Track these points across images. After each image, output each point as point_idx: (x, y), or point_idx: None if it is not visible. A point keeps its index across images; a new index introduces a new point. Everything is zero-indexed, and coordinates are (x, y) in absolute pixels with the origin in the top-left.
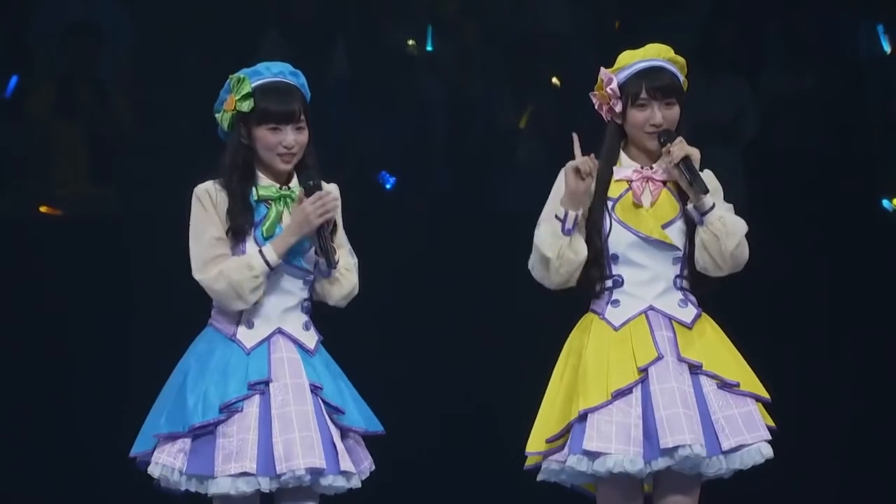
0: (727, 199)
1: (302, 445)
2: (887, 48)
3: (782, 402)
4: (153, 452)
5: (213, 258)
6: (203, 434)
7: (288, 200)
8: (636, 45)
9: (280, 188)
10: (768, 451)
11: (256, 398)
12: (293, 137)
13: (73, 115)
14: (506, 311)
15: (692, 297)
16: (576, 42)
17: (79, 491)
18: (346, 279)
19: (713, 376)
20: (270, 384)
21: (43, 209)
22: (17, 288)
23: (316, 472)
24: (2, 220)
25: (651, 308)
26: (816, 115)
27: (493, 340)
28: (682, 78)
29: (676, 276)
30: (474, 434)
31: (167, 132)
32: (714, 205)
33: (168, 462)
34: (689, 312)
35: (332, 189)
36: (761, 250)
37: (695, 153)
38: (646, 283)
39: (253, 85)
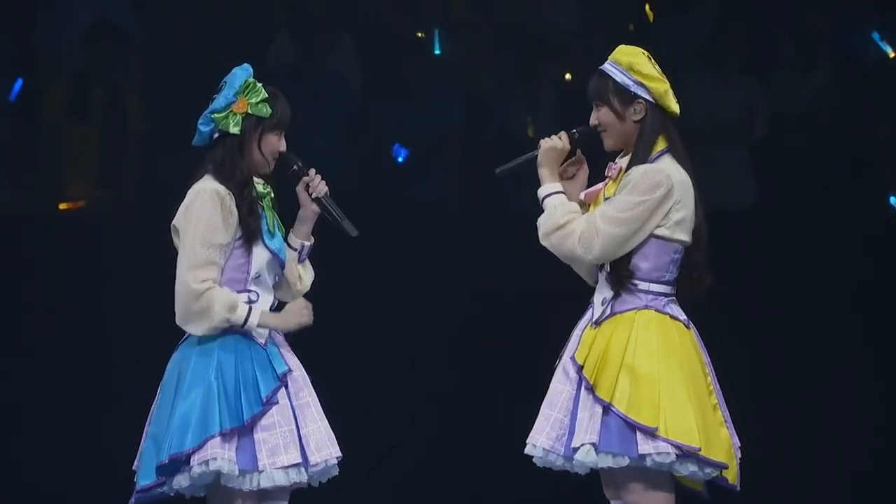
0: (737, 196)
1: (327, 435)
2: (888, 50)
3: (791, 397)
4: (193, 454)
5: (207, 263)
6: (244, 429)
7: (269, 196)
8: (647, 44)
9: (264, 185)
10: (583, 456)
11: (283, 390)
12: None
13: (85, 115)
14: (514, 310)
15: (627, 295)
16: (587, 41)
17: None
18: (309, 265)
19: (582, 377)
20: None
21: (63, 206)
22: (26, 287)
23: (339, 461)
24: (14, 220)
25: (591, 304)
26: (826, 114)
27: (502, 339)
28: (619, 77)
29: (607, 273)
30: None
31: (178, 132)
32: (546, 196)
33: (231, 456)
34: (599, 310)
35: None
36: (770, 248)
37: (541, 145)
38: (599, 280)
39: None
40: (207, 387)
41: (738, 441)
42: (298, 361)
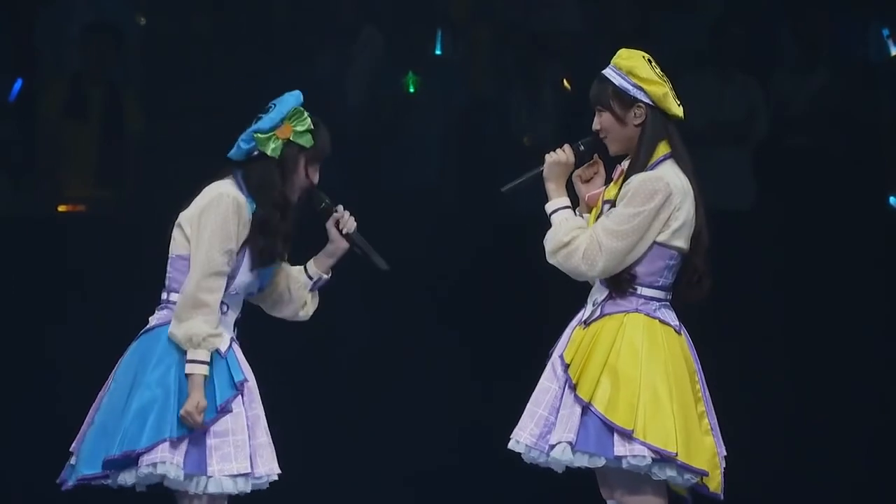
0: (737, 196)
1: (272, 450)
2: (894, 51)
3: (791, 397)
4: (142, 456)
5: (219, 273)
6: (197, 434)
7: None
8: (648, 44)
9: None
10: (558, 454)
11: (239, 398)
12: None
13: (84, 115)
14: (513, 309)
15: (619, 297)
16: (588, 42)
17: None
18: (317, 296)
19: (567, 375)
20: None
21: (62, 208)
22: (24, 287)
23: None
24: (14, 220)
25: (585, 304)
26: (827, 114)
27: (504, 341)
28: (618, 81)
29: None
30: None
31: (177, 133)
32: (553, 211)
33: (179, 462)
34: (590, 311)
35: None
36: (770, 248)
37: (546, 159)
38: (596, 282)
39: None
40: (166, 388)
41: (724, 450)
42: (251, 371)
